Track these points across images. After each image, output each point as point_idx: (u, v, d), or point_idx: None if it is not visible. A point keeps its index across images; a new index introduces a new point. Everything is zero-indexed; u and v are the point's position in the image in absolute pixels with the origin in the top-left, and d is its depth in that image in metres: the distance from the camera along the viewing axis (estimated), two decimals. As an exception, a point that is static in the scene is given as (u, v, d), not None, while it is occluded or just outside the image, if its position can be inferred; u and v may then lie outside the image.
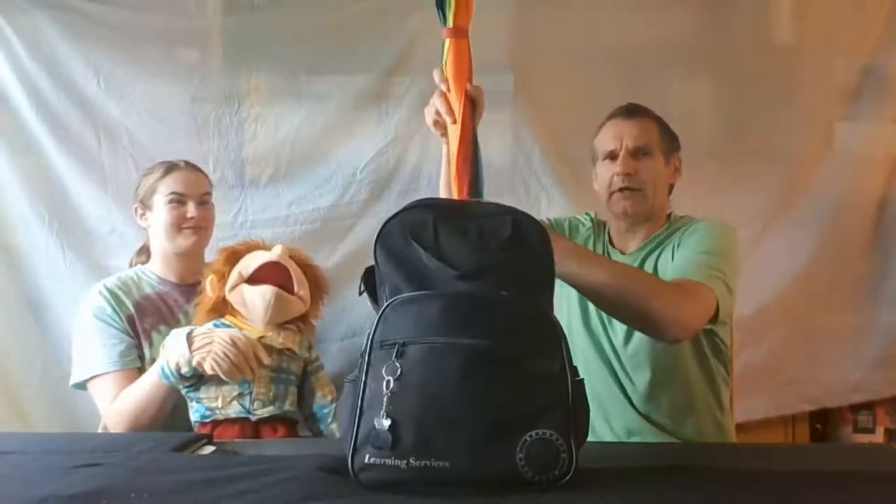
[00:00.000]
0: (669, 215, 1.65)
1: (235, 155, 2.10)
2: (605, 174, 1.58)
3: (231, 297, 1.59)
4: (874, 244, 2.29)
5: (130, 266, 1.83)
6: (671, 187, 1.65)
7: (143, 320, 1.69)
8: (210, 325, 1.56)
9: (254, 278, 1.57)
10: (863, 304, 2.30)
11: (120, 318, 1.67)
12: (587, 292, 1.33)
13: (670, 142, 1.60)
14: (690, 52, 2.21)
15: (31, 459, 1.13)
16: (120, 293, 1.70)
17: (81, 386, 1.68)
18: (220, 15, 2.13)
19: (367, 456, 0.94)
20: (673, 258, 1.52)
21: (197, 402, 1.55)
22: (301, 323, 1.65)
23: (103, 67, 2.04)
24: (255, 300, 1.56)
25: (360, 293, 1.10)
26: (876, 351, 2.28)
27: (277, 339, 1.58)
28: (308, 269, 1.67)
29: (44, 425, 1.97)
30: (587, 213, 1.74)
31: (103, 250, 2.05)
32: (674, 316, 1.30)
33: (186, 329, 1.52)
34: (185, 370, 1.48)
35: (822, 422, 2.41)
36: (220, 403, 1.52)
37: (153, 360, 1.65)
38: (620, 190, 1.55)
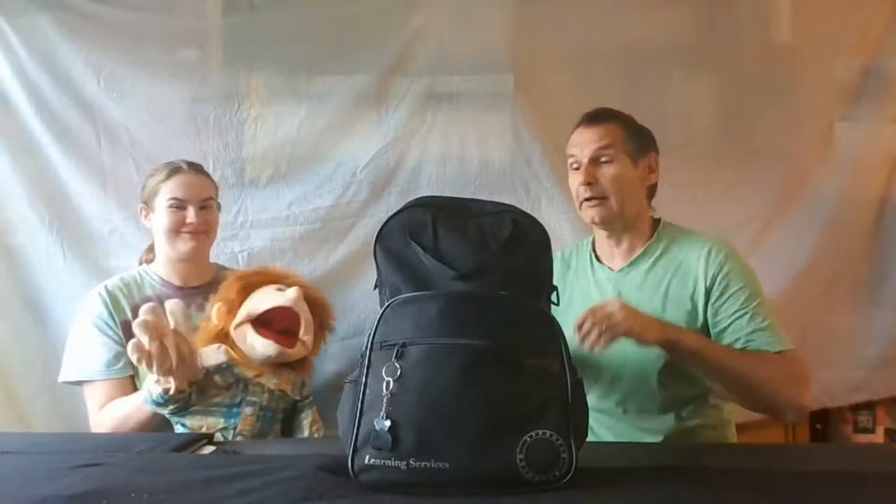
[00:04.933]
0: (658, 221, 1.61)
1: (235, 155, 2.09)
2: (573, 184, 1.58)
3: (234, 334, 1.56)
4: (874, 244, 2.29)
5: (140, 263, 1.83)
6: (651, 189, 1.61)
7: None
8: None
9: (262, 319, 1.55)
10: (863, 304, 2.30)
11: (115, 323, 1.67)
12: (709, 379, 1.43)
13: (640, 144, 1.57)
14: (690, 52, 2.21)
15: (31, 459, 1.13)
16: (120, 296, 1.70)
17: (75, 382, 1.69)
18: (219, 15, 2.12)
19: (368, 457, 0.94)
20: (693, 291, 1.48)
21: (182, 427, 1.54)
22: (299, 364, 1.63)
23: (103, 67, 2.04)
24: (257, 348, 1.53)
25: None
26: (876, 351, 2.28)
27: (272, 381, 1.56)
28: (318, 309, 1.64)
29: (44, 425, 1.96)
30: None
31: (103, 250, 2.04)
32: (799, 403, 1.44)
33: None
34: (156, 394, 1.45)
35: (822, 422, 2.41)
36: None
37: None
38: (586, 199, 1.54)
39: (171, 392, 1.43)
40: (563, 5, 2.14)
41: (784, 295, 2.19)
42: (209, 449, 1.28)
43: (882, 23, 2.25)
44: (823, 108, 2.26)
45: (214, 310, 1.58)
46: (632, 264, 1.56)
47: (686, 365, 1.40)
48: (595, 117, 1.58)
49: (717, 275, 1.48)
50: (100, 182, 2.05)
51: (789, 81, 2.21)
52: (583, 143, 1.56)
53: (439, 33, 2.12)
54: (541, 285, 1.06)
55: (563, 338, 1.00)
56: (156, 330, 1.38)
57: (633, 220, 1.57)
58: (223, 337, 1.57)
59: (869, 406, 2.37)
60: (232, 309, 1.56)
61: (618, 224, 1.56)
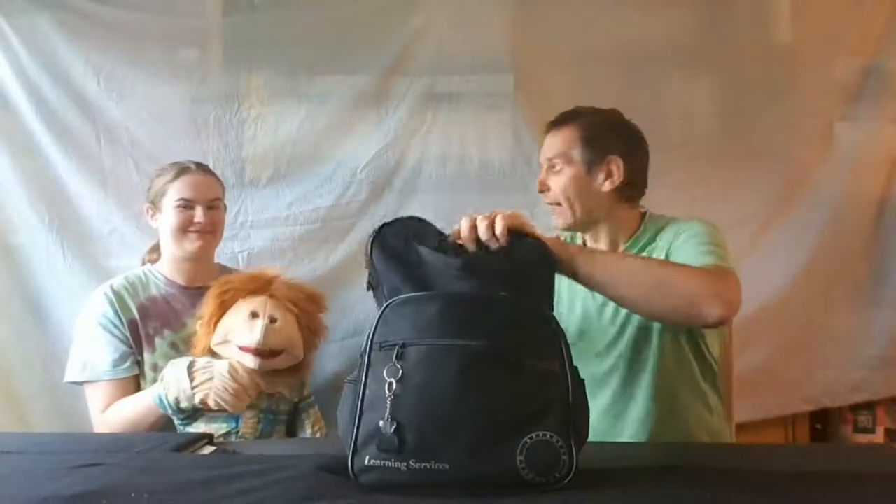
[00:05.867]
0: (644, 215, 1.58)
1: (235, 155, 2.09)
2: None
3: (217, 349, 1.55)
4: (874, 244, 2.29)
5: (143, 263, 1.83)
6: (619, 191, 1.52)
7: (146, 324, 1.68)
8: (207, 358, 1.55)
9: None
10: (863, 304, 2.30)
11: (122, 322, 1.66)
12: (612, 292, 1.26)
13: (597, 149, 1.51)
14: (690, 52, 2.20)
15: (31, 459, 1.13)
16: (125, 295, 1.69)
17: (78, 382, 1.69)
18: (219, 15, 2.13)
19: (368, 458, 0.94)
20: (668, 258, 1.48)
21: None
22: (295, 367, 1.62)
23: (103, 67, 2.04)
24: (244, 364, 1.52)
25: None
26: (876, 351, 2.28)
27: (267, 382, 1.56)
28: (303, 318, 1.61)
29: (44, 425, 1.96)
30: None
31: (103, 250, 2.04)
32: (713, 291, 1.23)
33: (186, 361, 1.52)
34: (184, 405, 1.49)
35: (822, 422, 2.41)
36: None
37: (154, 366, 1.65)
38: (548, 204, 1.55)
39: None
40: (563, 5, 2.14)
41: (784, 295, 2.20)
42: (209, 449, 1.28)
43: (882, 23, 2.24)
44: (823, 108, 2.26)
45: (198, 325, 1.59)
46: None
47: (588, 276, 1.22)
48: (554, 124, 1.56)
49: (681, 232, 1.48)
50: (100, 182, 2.05)
51: (789, 81, 2.21)
52: (542, 153, 1.56)
53: (439, 33, 2.12)
54: (541, 286, 1.06)
55: (564, 338, 1.00)
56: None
57: (596, 223, 1.55)
58: (210, 348, 1.57)
59: (869, 406, 2.37)
60: (210, 327, 1.56)
61: (578, 228, 1.57)
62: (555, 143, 1.54)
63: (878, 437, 2.37)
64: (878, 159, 2.28)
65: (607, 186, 1.52)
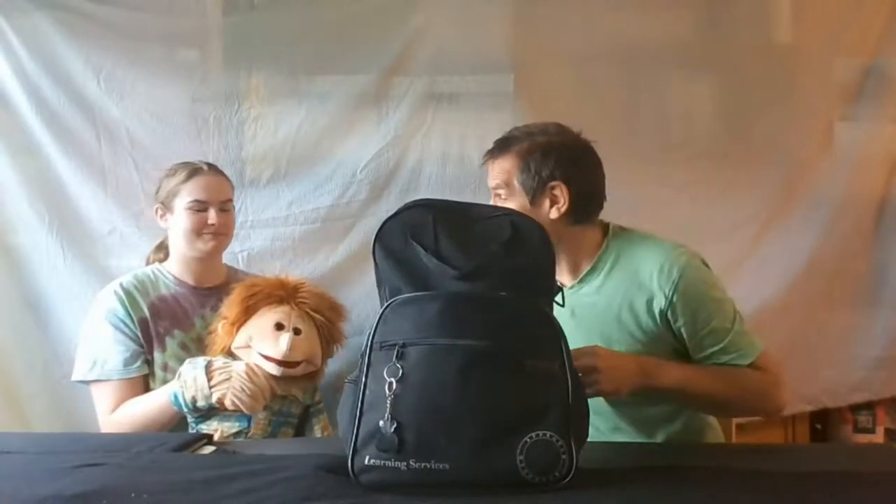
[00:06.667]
0: (607, 228, 1.50)
1: (235, 155, 2.09)
2: None
3: (237, 352, 1.57)
4: (874, 244, 2.30)
5: (147, 263, 1.83)
6: (567, 216, 1.43)
7: (157, 323, 1.67)
8: (224, 358, 1.56)
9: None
10: (863, 304, 2.30)
11: (132, 320, 1.66)
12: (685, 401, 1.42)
13: (539, 174, 1.42)
14: (690, 52, 2.21)
15: (31, 459, 1.13)
16: (135, 293, 1.69)
17: (86, 381, 1.68)
18: (220, 15, 2.13)
19: (368, 457, 0.94)
20: (648, 309, 1.39)
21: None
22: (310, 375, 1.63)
23: (103, 67, 2.04)
24: (260, 370, 1.54)
25: None
26: (876, 351, 2.28)
27: (281, 386, 1.56)
28: (326, 326, 1.62)
29: (44, 425, 1.96)
30: None
31: (103, 250, 2.04)
32: (778, 406, 1.44)
33: (204, 361, 1.52)
34: (201, 404, 1.49)
35: (822, 422, 2.41)
36: (216, 438, 1.48)
37: (165, 365, 1.65)
38: None
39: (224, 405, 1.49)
40: (563, 5, 2.14)
41: (784, 295, 2.20)
42: (209, 449, 1.28)
43: (882, 23, 2.25)
44: (823, 108, 2.27)
45: (220, 326, 1.59)
46: (581, 281, 1.47)
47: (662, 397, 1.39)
48: (493, 151, 1.49)
49: (673, 296, 1.37)
50: (100, 182, 2.05)
51: (789, 81, 2.21)
52: (488, 179, 1.50)
53: (439, 33, 2.12)
54: (541, 285, 1.06)
55: (564, 338, 1.00)
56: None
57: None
58: (230, 349, 1.58)
59: (869, 406, 2.38)
60: (232, 330, 1.57)
61: None
62: (494, 172, 1.47)
63: (878, 437, 2.37)
64: (878, 159, 2.28)
65: (554, 214, 1.43)
